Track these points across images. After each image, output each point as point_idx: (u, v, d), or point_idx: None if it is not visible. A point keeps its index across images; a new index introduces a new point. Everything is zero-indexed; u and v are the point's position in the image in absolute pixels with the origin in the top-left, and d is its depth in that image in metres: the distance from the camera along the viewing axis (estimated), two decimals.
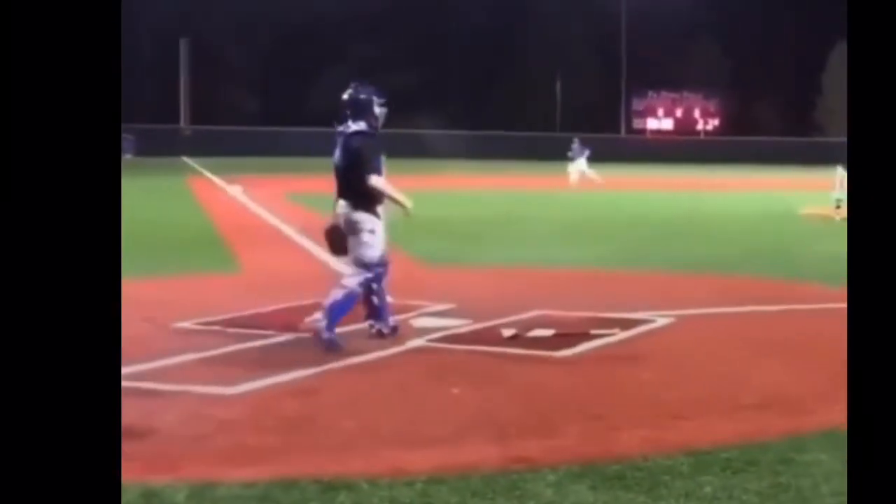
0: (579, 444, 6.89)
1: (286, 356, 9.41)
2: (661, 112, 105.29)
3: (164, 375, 8.64)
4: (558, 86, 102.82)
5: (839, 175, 27.88)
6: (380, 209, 10.26)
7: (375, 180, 10.08)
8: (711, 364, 9.30)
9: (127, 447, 6.51)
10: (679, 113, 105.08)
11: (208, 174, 49.78)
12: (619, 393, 8.28)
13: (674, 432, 7.13)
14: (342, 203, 10.21)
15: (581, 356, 9.65)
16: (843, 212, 25.97)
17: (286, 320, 11.09)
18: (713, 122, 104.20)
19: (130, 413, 7.38)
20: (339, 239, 10.27)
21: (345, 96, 10.30)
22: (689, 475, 6.16)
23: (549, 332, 10.50)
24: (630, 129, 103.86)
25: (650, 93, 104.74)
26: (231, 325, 10.88)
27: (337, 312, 9.87)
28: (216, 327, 10.75)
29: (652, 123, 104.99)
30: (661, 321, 11.27)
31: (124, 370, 8.54)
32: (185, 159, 65.82)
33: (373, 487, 5.86)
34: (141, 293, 13.01)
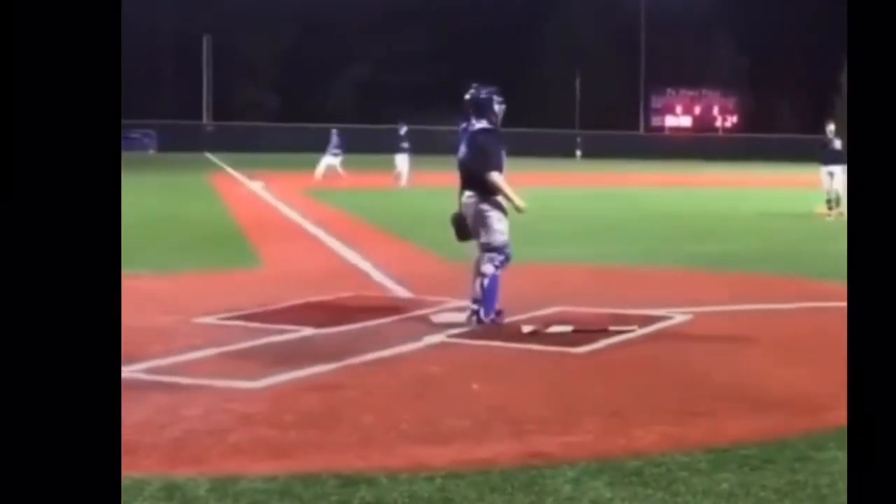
0: (597, 441, 6.90)
1: (307, 351, 9.46)
2: (679, 109, 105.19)
3: (186, 370, 8.69)
4: (577, 83, 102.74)
5: (824, 172, 27.80)
6: (501, 198, 11.05)
7: (496, 177, 10.91)
8: (729, 362, 9.31)
9: (149, 440, 6.63)
10: (697, 110, 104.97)
11: (230, 170, 49.90)
12: (637, 389, 8.30)
13: (692, 429, 7.15)
14: (468, 194, 11.03)
15: (600, 352, 9.67)
16: (836, 211, 25.97)
17: (307, 315, 11.16)
18: (731, 120, 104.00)
19: (152, 406, 7.47)
20: (463, 226, 11.17)
21: (467, 96, 11.20)
22: (706, 472, 6.17)
23: (567, 329, 10.51)
24: (648, 127, 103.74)
25: (669, 90, 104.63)
26: (252, 319, 10.92)
27: (490, 297, 10.80)
28: (238, 322, 10.80)
29: (670, 121, 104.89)
30: (679, 318, 11.28)
31: (146, 364, 8.67)
32: (208, 155, 65.95)
33: (392, 482, 5.89)
34: (163, 288, 13.11)
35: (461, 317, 10.99)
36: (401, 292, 13.06)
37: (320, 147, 46.49)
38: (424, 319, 11.01)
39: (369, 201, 31.02)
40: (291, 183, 39.19)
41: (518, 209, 11.01)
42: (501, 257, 10.92)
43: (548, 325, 10.70)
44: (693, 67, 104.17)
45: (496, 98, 11.16)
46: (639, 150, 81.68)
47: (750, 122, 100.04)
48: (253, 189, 35.35)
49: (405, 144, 39.06)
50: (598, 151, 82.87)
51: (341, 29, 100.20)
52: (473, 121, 11.12)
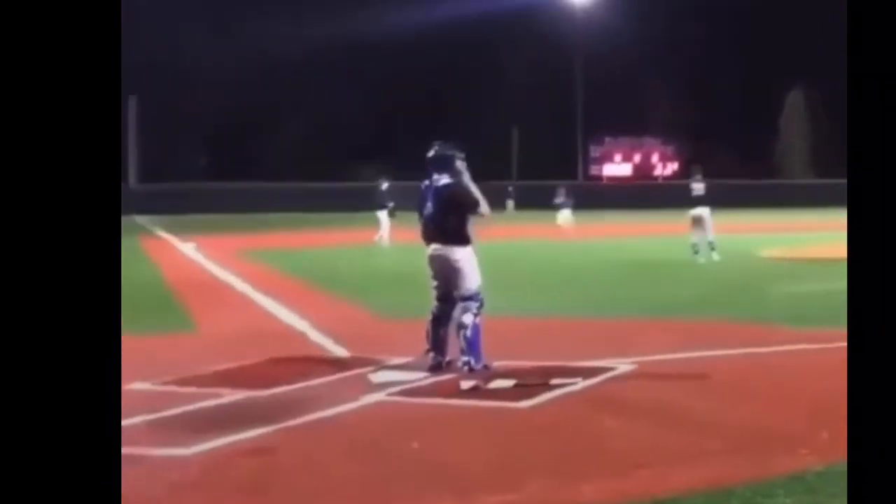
0: (541, 497, 6.75)
1: (242, 415, 9.23)
2: (618, 158, 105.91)
3: None
4: (515, 134, 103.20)
5: (694, 216, 27.86)
6: (472, 244, 11.49)
7: (484, 207, 11.51)
8: (674, 410, 9.19)
9: None
10: (637, 158, 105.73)
11: (161, 232, 49.53)
12: (581, 443, 8.16)
13: (637, 481, 7.00)
14: (435, 247, 11.42)
15: (542, 407, 9.51)
16: (704, 256, 26.11)
17: (242, 378, 10.95)
18: (672, 167, 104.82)
19: None
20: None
21: (430, 154, 11.64)
22: None
23: (510, 383, 10.37)
24: (587, 176, 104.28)
25: (607, 139, 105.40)
26: (186, 384, 10.67)
27: (476, 346, 11.11)
28: (170, 387, 10.55)
29: (609, 169, 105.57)
30: (622, 368, 11.16)
31: None
32: (136, 218, 65.38)
33: None
34: None
35: (401, 375, 10.86)
36: (339, 352, 12.86)
37: (254, 206, 45.81)
38: (363, 378, 10.82)
39: (306, 261, 30.78)
40: (224, 244, 38.87)
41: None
42: (476, 304, 11.23)
43: (489, 380, 10.56)
44: (633, 116, 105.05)
45: (458, 154, 11.63)
46: (578, 200, 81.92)
47: (689, 168, 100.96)
48: (185, 251, 34.97)
49: (387, 202, 38.33)
50: (536, 202, 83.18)
51: (272, 87, 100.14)
52: (436, 176, 11.51)
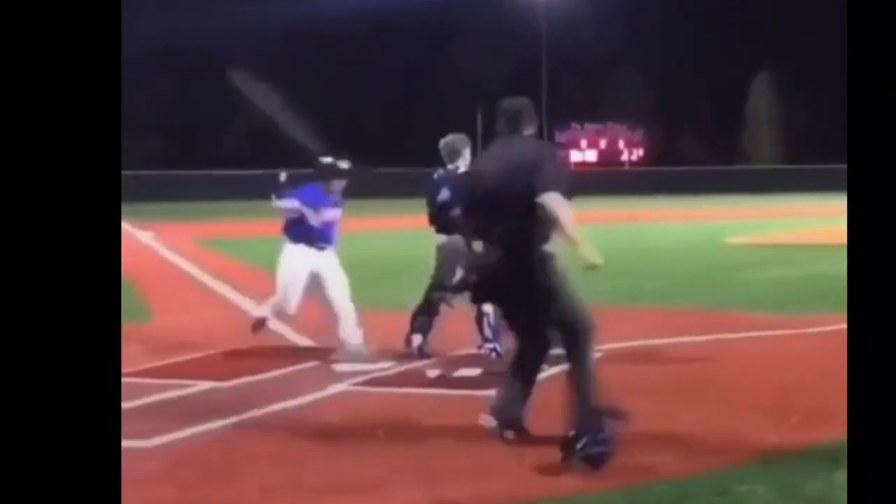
0: (509, 485, 6.69)
1: (204, 405, 9.12)
2: (584, 144, 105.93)
3: None
4: (479, 120, 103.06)
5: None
6: None
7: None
8: (640, 398, 9.08)
9: None
10: (603, 144, 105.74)
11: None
12: (546, 430, 8.07)
13: (608, 469, 6.92)
14: (445, 238, 11.45)
15: None
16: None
17: (203, 369, 10.83)
18: (638, 153, 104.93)
19: None
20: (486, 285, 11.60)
21: (442, 143, 11.86)
22: None
23: (476, 372, 10.32)
24: None
25: (573, 124, 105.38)
26: (146, 375, 10.53)
27: (499, 333, 10.97)
28: (129, 379, 10.36)
29: (575, 156, 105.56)
30: None
31: None
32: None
33: None
34: None
35: (365, 365, 10.81)
36: (301, 341, 12.72)
37: (209, 194, 45.08)
38: (327, 368, 10.72)
39: (265, 249, 30.51)
40: (183, 232, 38.58)
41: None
42: None
43: (455, 368, 10.49)
44: (599, 101, 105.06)
45: (467, 144, 11.90)
46: None
47: (656, 155, 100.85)
48: (142, 240, 34.65)
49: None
50: None
51: (231, 69, 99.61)
52: (450, 166, 11.67)
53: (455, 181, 11.30)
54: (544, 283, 7.53)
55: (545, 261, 7.55)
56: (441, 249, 11.59)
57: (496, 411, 7.81)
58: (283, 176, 34.82)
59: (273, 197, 11.96)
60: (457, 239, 10.74)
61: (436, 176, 11.86)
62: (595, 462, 6.82)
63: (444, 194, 11.53)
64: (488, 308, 10.99)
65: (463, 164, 11.57)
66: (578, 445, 6.88)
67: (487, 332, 11.24)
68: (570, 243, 7.40)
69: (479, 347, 11.34)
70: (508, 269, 7.51)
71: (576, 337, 7.60)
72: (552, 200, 7.29)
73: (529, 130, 7.98)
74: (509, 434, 7.72)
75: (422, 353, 11.34)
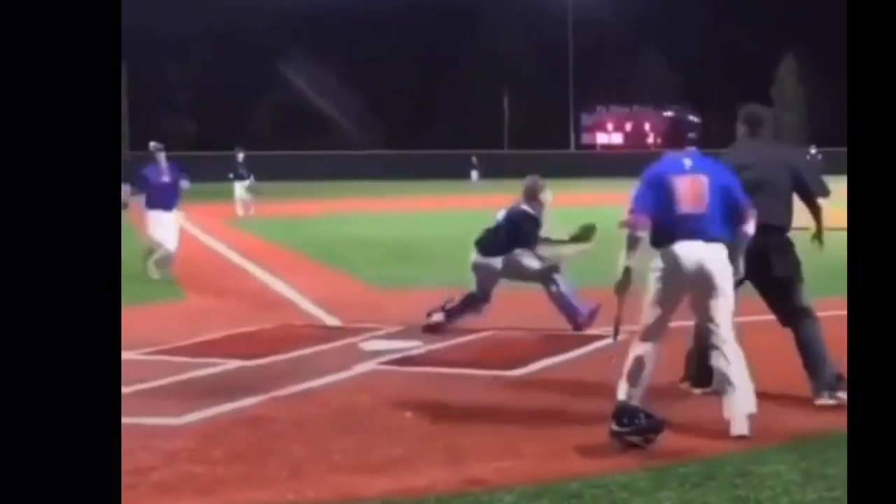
0: (536, 464, 6.74)
1: (233, 384, 9.20)
2: (610, 127, 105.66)
3: None
4: (506, 102, 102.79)
5: None
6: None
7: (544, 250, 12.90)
8: (666, 379, 9.14)
9: None
10: (629, 127, 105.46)
11: None
12: (573, 410, 8.14)
13: (632, 449, 6.99)
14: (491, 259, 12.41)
15: (535, 374, 9.52)
16: None
17: (233, 348, 10.91)
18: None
19: None
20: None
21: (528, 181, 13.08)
22: (647, 491, 6.06)
23: (502, 352, 10.41)
24: (579, 145, 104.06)
25: (599, 107, 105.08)
26: (176, 353, 10.64)
27: (572, 305, 12.01)
28: (160, 357, 10.51)
29: (602, 138, 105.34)
30: (618, 337, 11.07)
31: None
32: (125, 186, 65.02)
33: None
34: None
35: (393, 344, 10.86)
36: (329, 321, 12.81)
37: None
38: (354, 347, 10.81)
39: (294, 230, 30.63)
40: (213, 213, 38.62)
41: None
42: (552, 274, 12.26)
43: (482, 347, 10.56)
44: (625, 84, 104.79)
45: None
46: (570, 169, 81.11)
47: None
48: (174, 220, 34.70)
49: (243, 172, 37.85)
50: (528, 171, 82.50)
51: (261, 53, 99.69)
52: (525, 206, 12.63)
53: (514, 214, 12.41)
54: (795, 262, 8.82)
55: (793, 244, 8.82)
56: (485, 267, 12.23)
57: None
58: (240, 155, 35.47)
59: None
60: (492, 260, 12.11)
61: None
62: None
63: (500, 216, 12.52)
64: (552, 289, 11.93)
65: (530, 207, 12.43)
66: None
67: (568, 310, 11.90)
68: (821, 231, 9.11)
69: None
70: (773, 247, 8.67)
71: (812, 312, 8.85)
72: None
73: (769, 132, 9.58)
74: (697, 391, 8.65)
75: (436, 328, 11.59)
